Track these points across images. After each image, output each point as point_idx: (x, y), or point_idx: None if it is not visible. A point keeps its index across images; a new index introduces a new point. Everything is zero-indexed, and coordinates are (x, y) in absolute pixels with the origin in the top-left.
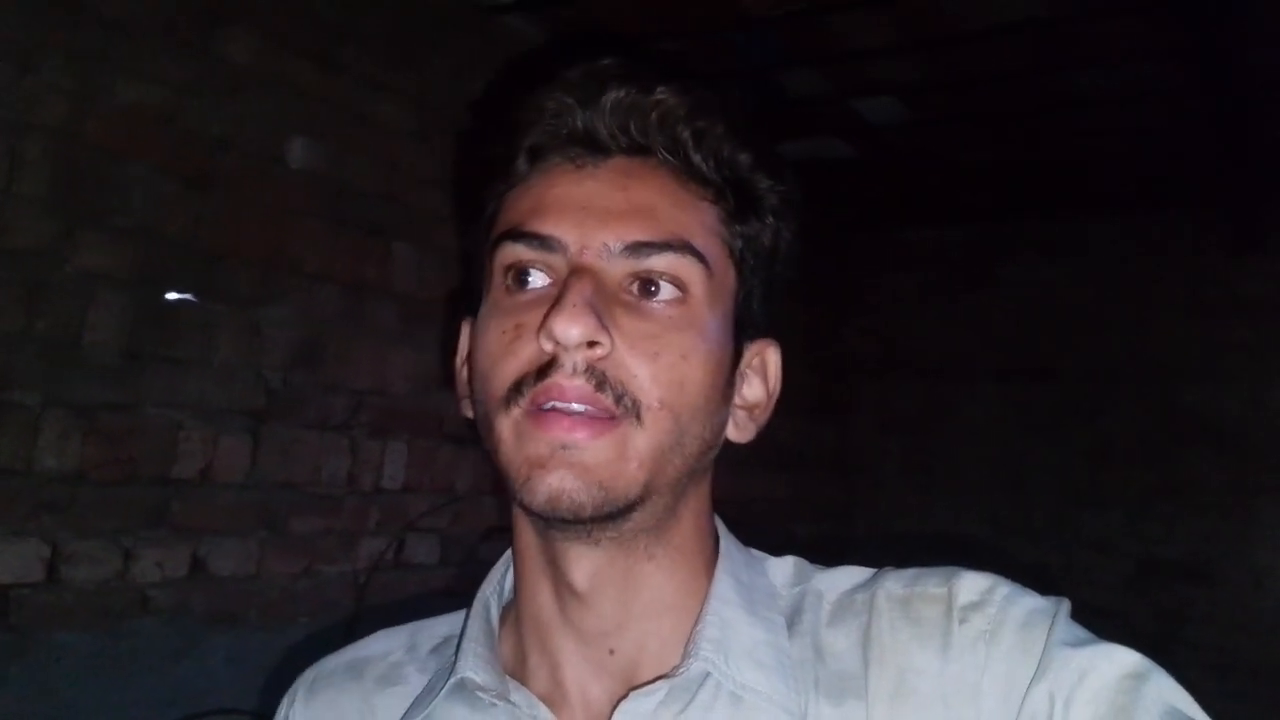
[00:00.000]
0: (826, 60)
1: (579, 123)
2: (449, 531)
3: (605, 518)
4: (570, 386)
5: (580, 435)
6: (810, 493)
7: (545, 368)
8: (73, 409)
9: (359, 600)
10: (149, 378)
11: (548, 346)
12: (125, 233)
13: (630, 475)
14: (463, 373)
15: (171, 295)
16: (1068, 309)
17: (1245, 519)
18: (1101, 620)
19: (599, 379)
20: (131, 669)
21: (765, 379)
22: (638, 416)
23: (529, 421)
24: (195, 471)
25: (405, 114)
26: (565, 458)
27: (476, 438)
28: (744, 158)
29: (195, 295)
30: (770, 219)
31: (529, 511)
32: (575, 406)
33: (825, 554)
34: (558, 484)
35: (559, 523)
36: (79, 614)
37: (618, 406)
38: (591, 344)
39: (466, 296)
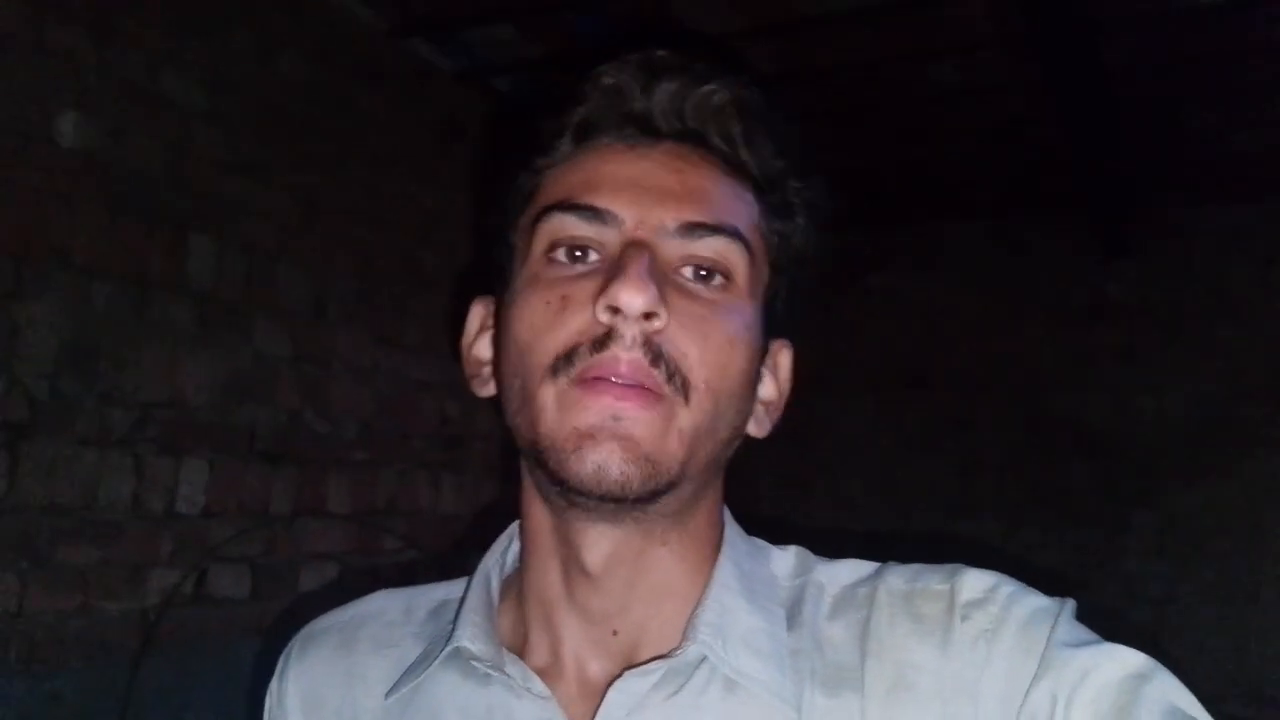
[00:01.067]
0: (677, 43)
1: (636, 104)
2: (262, 560)
3: (648, 495)
4: (628, 359)
5: (630, 405)
6: None
7: (602, 339)
8: None
9: (147, 640)
10: None
11: (604, 317)
12: None
13: (673, 452)
14: (473, 352)
15: None
16: (937, 317)
17: (1117, 527)
18: None
19: (655, 353)
20: None
21: (777, 379)
22: (685, 396)
23: (577, 390)
24: None
25: (197, 92)
26: (615, 429)
27: (292, 454)
28: (781, 158)
29: None
30: (802, 220)
31: (571, 484)
32: (628, 380)
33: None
34: (606, 456)
35: (597, 499)
36: None
37: (669, 384)
38: (649, 315)
39: (480, 276)
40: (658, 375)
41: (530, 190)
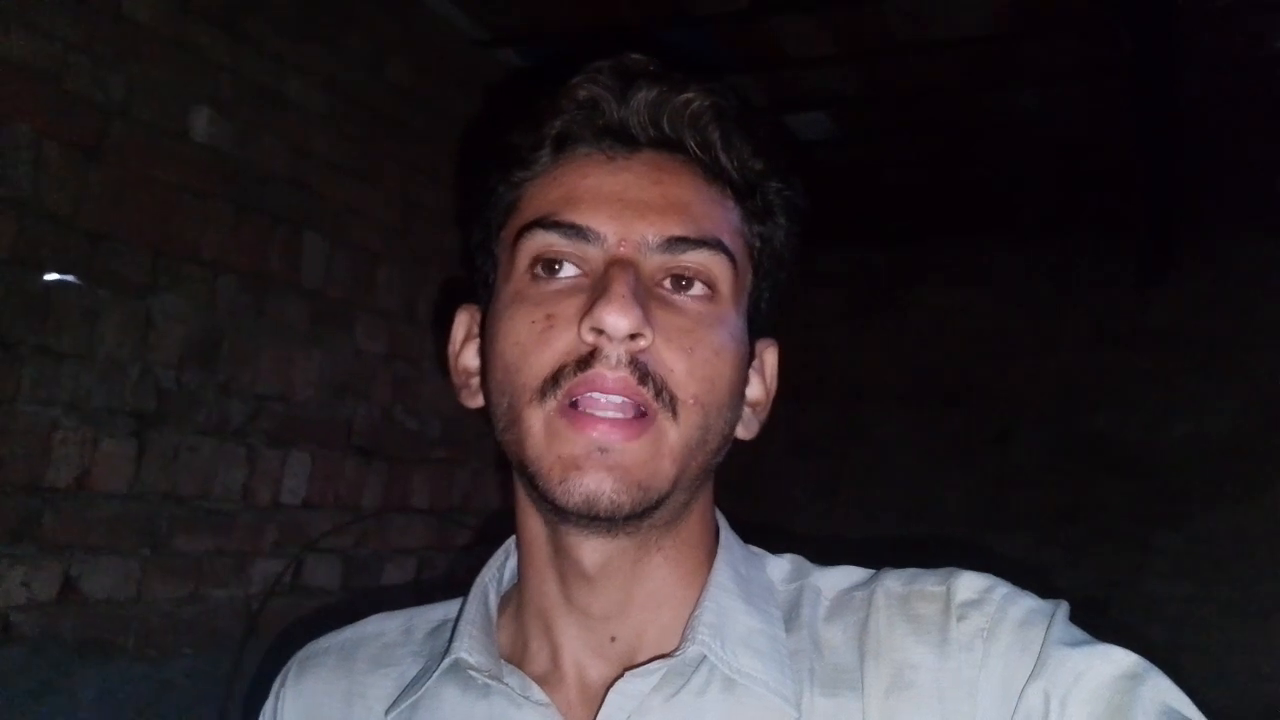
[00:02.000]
0: (763, 67)
1: (613, 114)
2: (353, 553)
3: (640, 515)
4: (614, 378)
5: (617, 437)
6: (726, 514)
7: (587, 359)
8: None
9: (250, 629)
10: (21, 370)
11: (589, 338)
12: (1, 203)
13: (664, 471)
14: (460, 361)
15: (50, 277)
16: (977, 334)
17: (1141, 547)
18: None
19: (641, 372)
20: None
21: (764, 379)
22: (673, 411)
23: (564, 420)
24: (70, 479)
25: (316, 95)
26: (603, 460)
27: (384, 450)
28: (761, 161)
29: (78, 278)
30: (783, 220)
31: (561, 510)
32: (614, 399)
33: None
34: (595, 486)
35: (589, 520)
36: None
37: (656, 401)
38: (634, 336)
39: (465, 285)
40: (645, 393)
41: (510, 203)
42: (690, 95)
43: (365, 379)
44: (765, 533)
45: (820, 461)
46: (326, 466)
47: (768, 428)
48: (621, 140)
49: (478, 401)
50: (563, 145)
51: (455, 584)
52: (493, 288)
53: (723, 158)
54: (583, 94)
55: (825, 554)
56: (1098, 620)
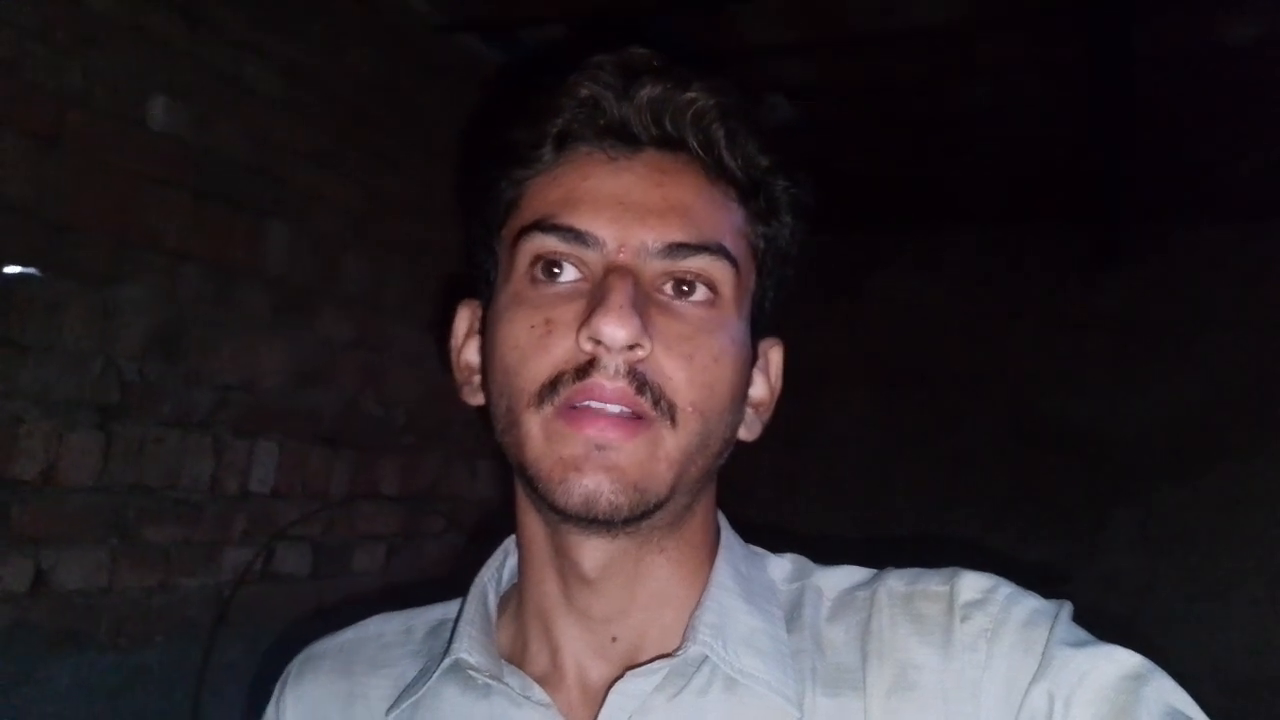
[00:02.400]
0: (722, 56)
1: (614, 113)
2: (322, 540)
3: (639, 518)
4: (612, 388)
5: (614, 435)
6: None
7: (585, 367)
8: None
9: (221, 617)
10: None
11: (588, 347)
12: None
13: (661, 476)
14: (462, 357)
15: (10, 269)
16: (933, 319)
17: (1095, 524)
18: None
19: (639, 381)
20: None
21: (768, 378)
22: (671, 419)
23: (561, 420)
24: (37, 472)
25: (276, 81)
26: (601, 459)
27: (351, 438)
28: (766, 159)
29: (39, 269)
30: (787, 218)
31: (561, 512)
32: (612, 408)
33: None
34: (594, 487)
35: (588, 523)
36: None
37: (654, 409)
38: (633, 346)
39: (467, 280)
40: (644, 401)
41: (511, 200)
42: (694, 93)
43: (331, 367)
44: (767, 533)
45: (777, 449)
46: (294, 455)
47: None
48: (623, 140)
49: (479, 399)
50: (563, 144)
51: (426, 570)
52: (493, 285)
53: (726, 157)
54: (584, 91)
55: (825, 554)
56: (1061, 588)
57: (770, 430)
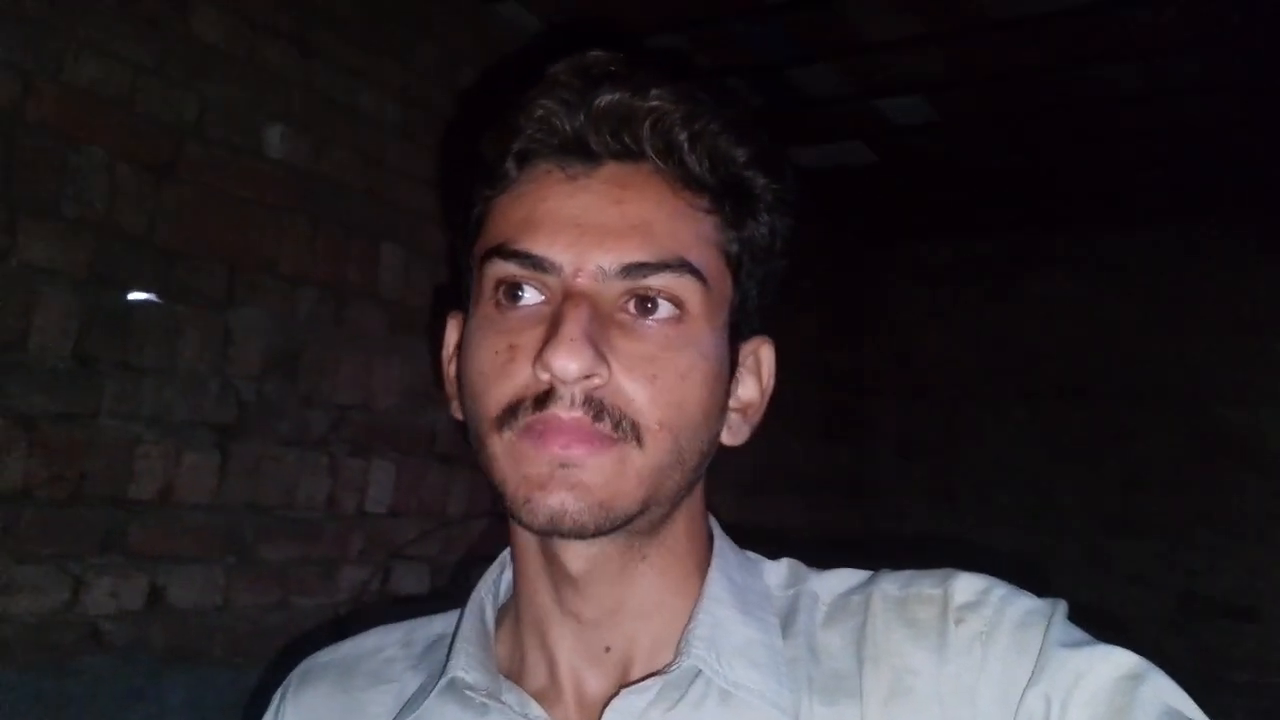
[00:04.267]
0: (843, 54)
1: (569, 129)
2: (439, 559)
3: (608, 531)
4: (569, 418)
5: (578, 452)
6: (826, 520)
7: (543, 397)
8: (16, 419)
9: (337, 636)
10: (103, 386)
11: (544, 377)
12: (77, 224)
13: (629, 493)
14: (450, 369)
15: (130, 295)
16: (1098, 325)
17: None
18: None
19: (596, 409)
20: (80, 711)
21: (759, 377)
22: (638, 439)
23: (524, 441)
24: (154, 491)
25: (389, 106)
26: (565, 478)
27: (468, 456)
28: (740, 153)
29: (156, 295)
30: (766, 216)
31: (529, 529)
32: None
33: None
34: (559, 505)
35: (559, 538)
36: (21, 649)
37: (616, 431)
38: (588, 376)
39: (454, 292)
40: (604, 427)
41: (479, 218)
42: (653, 102)
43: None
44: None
45: (931, 464)
46: (410, 474)
47: (872, 428)
48: (581, 155)
49: (460, 415)
50: (524, 161)
51: None
52: (471, 300)
53: (691, 163)
54: (538, 111)
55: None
56: (1246, 627)
57: (921, 444)
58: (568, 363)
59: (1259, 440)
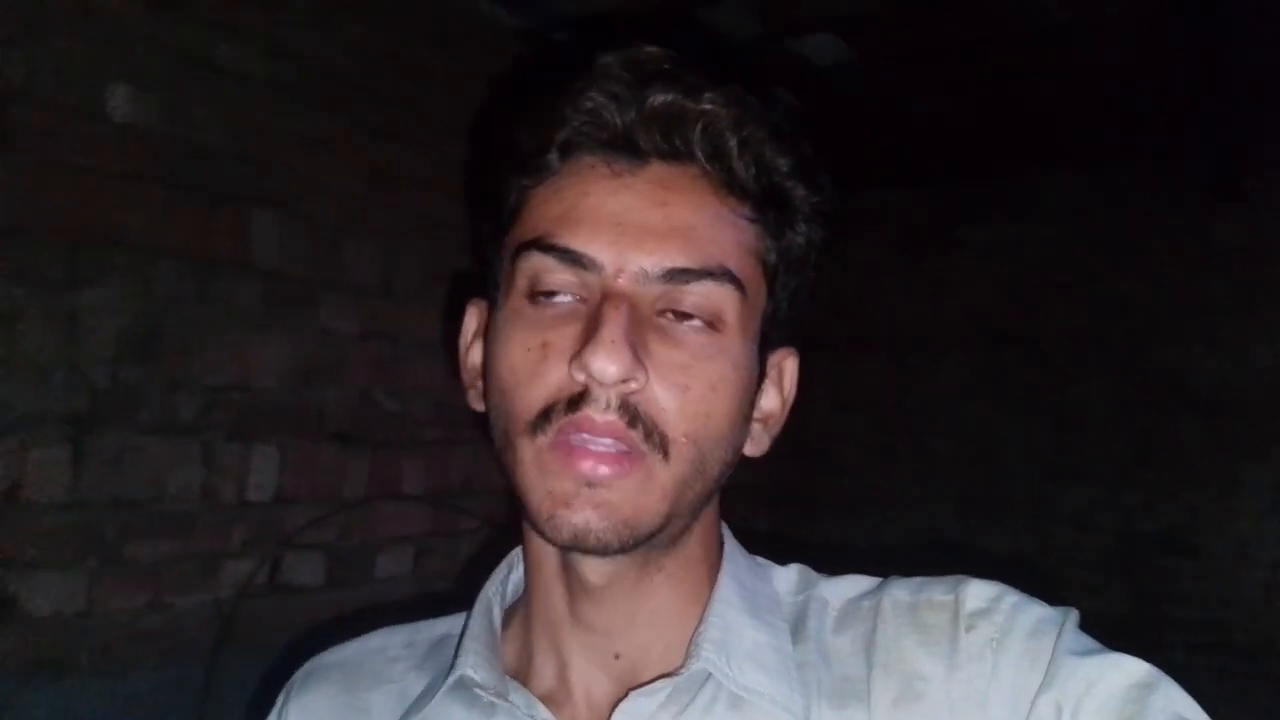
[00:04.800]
0: None
1: (618, 125)
2: (338, 546)
3: (631, 547)
4: (603, 422)
5: (605, 472)
6: (768, 478)
7: (576, 399)
8: None
9: (223, 633)
10: None
11: (580, 378)
12: None
13: (653, 509)
14: (469, 358)
15: None
16: (1035, 270)
17: (1229, 486)
18: (1082, 599)
19: (631, 415)
20: None
21: (781, 388)
22: (664, 452)
23: (552, 454)
24: None
25: (257, 60)
26: (591, 497)
27: (369, 435)
28: (783, 162)
29: None
30: (804, 226)
31: (551, 544)
32: (604, 441)
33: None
34: (583, 524)
35: (580, 553)
36: None
37: (645, 443)
38: (625, 380)
39: (476, 279)
40: (635, 436)
41: (514, 208)
42: (706, 103)
43: (336, 361)
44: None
45: (871, 416)
46: (299, 457)
47: (811, 383)
48: (628, 153)
49: (481, 406)
50: (567, 153)
51: (462, 570)
52: (498, 291)
53: (739, 169)
54: (588, 102)
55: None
56: (1186, 564)
57: (862, 397)
58: (607, 365)
59: (1195, 380)
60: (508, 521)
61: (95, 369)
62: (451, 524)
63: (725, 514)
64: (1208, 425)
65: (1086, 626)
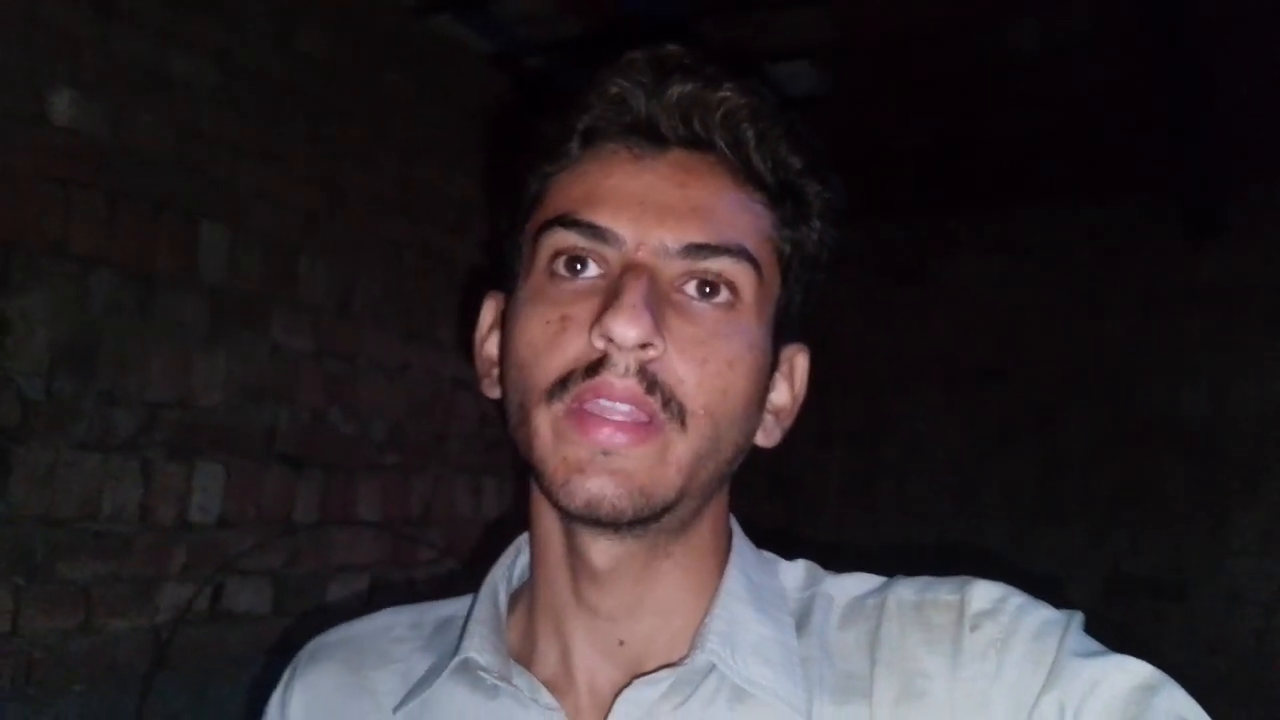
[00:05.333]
0: (728, 12)
1: (642, 111)
2: (285, 572)
3: (644, 520)
4: (621, 386)
5: (622, 440)
6: (747, 514)
7: (595, 365)
8: None
9: (158, 660)
10: None
11: (599, 344)
12: None
13: (669, 480)
14: (484, 349)
15: None
16: (1013, 307)
17: (1217, 526)
18: None
19: (649, 381)
20: None
21: (792, 384)
22: (681, 422)
23: (569, 422)
24: None
25: (206, 71)
26: (606, 464)
27: (320, 455)
28: (797, 160)
29: None
30: (817, 222)
31: (565, 512)
32: (621, 407)
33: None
34: (598, 490)
35: (593, 524)
36: None
37: (664, 411)
38: (644, 345)
39: (493, 272)
40: (653, 402)
41: (536, 195)
42: (725, 93)
43: (287, 380)
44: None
45: (850, 454)
46: (244, 478)
47: (794, 422)
48: (650, 138)
49: (496, 393)
50: (590, 140)
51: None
52: (515, 279)
53: (755, 159)
54: (613, 88)
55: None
56: (1174, 608)
57: (841, 435)
58: (628, 328)
59: (1180, 418)
60: (471, 555)
61: (27, 380)
62: (409, 554)
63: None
64: (1194, 464)
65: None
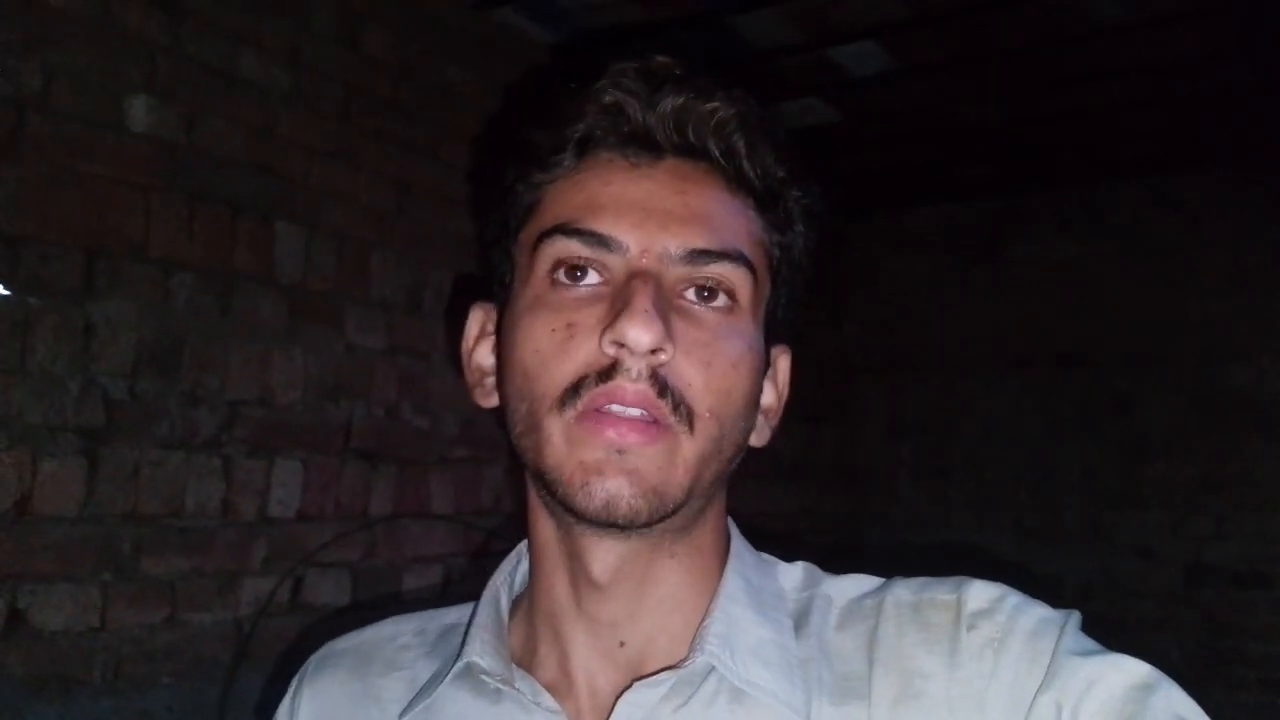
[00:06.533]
0: None
1: (638, 120)
2: (362, 564)
3: (656, 521)
4: (634, 390)
5: (634, 439)
6: (817, 505)
7: (608, 370)
8: None
9: (241, 652)
10: None
11: (610, 350)
12: None
13: (679, 482)
14: (473, 359)
15: None
16: (1092, 288)
17: None
18: (1148, 633)
19: (660, 385)
20: None
21: (776, 385)
22: (689, 425)
23: (581, 426)
24: (9, 504)
25: (278, 72)
26: (621, 464)
27: (392, 452)
28: (782, 168)
29: (1, 286)
30: (800, 228)
31: (581, 515)
32: (633, 411)
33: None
34: (615, 490)
35: (606, 526)
36: None
37: (673, 414)
38: (655, 350)
39: (475, 280)
40: (664, 406)
41: (530, 205)
42: (716, 103)
43: (362, 377)
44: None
45: (923, 442)
46: (322, 473)
47: (860, 408)
48: (645, 147)
49: (492, 401)
50: (585, 149)
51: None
52: (510, 288)
53: (747, 167)
54: (607, 98)
55: None
56: (1260, 596)
57: (913, 422)
58: (642, 333)
59: (1265, 401)
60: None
61: (111, 381)
62: (482, 545)
63: (770, 540)
64: (1278, 448)
65: (1161, 665)
